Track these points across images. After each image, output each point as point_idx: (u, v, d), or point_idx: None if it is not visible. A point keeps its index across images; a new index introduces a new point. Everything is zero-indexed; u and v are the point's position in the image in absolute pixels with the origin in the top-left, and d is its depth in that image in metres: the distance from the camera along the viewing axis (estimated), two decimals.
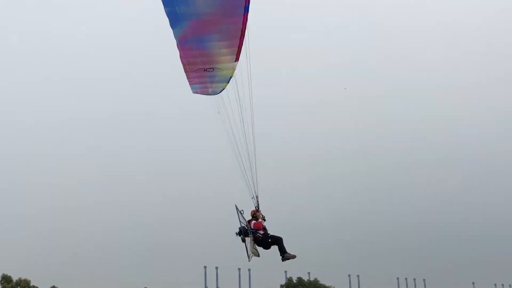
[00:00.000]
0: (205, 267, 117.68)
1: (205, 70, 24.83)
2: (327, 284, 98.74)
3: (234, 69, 25.29)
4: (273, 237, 21.81)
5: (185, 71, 24.70)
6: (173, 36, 23.10)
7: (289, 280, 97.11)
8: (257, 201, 21.82)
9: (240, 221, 21.93)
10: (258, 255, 21.57)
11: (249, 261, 21.60)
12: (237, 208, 21.86)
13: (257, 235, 21.75)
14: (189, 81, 24.98)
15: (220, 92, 25.55)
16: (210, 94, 25.53)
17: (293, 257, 21.62)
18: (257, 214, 21.95)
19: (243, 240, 21.78)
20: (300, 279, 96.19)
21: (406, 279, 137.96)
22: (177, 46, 23.87)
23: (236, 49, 24.79)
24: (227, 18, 23.33)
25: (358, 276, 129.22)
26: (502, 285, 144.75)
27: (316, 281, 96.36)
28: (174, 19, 22.55)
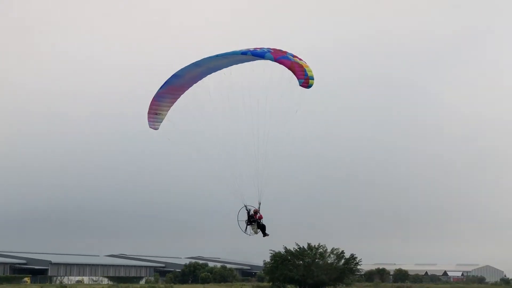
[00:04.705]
0: None
1: (155, 113, 41.33)
2: None
3: (166, 115, 42.12)
4: (263, 225, 37.09)
5: (148, 113, 40.90)
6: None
7: None
8: (259, 205, 36.49)
9: (247, 213, 36.61)
10: (256, 233, 36.97)
11: (249, 235, 36.68)
12: (246, 207, 36.71)
13: (261, 223, 36.81)
14: (148, 119, 41.10)
15: (158, 128, 41.89)
16: (155, 129, 41.79)
17: (268, 235, 37.23)
18: (259, 213, 36.64)
19: (248, 224, 36.59)
20: None
21: None
22: (153, 97, 40.24)
23: (174, 104, 41.86)
24: (186, 89, 40.59)
25: None
26: None
27: None
28: (167, 84, 39.47)
